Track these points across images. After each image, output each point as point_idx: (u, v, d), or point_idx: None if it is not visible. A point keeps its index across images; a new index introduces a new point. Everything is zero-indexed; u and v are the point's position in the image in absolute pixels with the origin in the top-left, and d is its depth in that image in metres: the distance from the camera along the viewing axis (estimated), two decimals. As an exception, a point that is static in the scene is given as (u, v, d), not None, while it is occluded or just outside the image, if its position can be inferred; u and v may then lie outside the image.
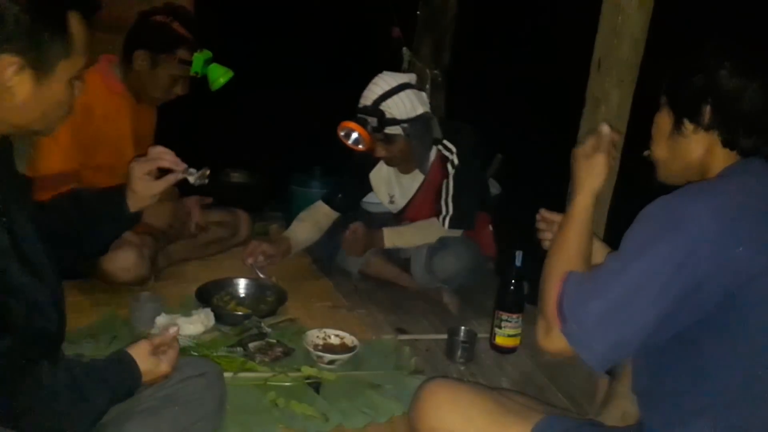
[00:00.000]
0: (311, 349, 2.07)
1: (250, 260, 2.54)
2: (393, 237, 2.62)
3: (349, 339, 2.16)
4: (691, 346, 1.14)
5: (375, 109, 2.39)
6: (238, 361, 2.01)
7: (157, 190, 1.51)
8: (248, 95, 5.44)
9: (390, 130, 2.42)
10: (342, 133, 2.45)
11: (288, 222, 2.91)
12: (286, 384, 1.94)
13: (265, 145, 4.60)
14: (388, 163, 2.62)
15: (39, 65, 1.13)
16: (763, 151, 1.19)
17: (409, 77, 2.49)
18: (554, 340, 1.19)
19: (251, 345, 2.09)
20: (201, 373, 1.52)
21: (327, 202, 2.77)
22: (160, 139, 2.88)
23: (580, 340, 1.15)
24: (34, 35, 1.11)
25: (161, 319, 2.15)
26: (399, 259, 2.80)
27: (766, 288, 1.08)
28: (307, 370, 2.00)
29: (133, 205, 1.51)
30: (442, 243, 2.60)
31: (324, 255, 2.85)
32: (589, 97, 2.51)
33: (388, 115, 2.39)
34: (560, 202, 2.69)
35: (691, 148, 1.23)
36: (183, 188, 2.91)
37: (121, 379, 1.32)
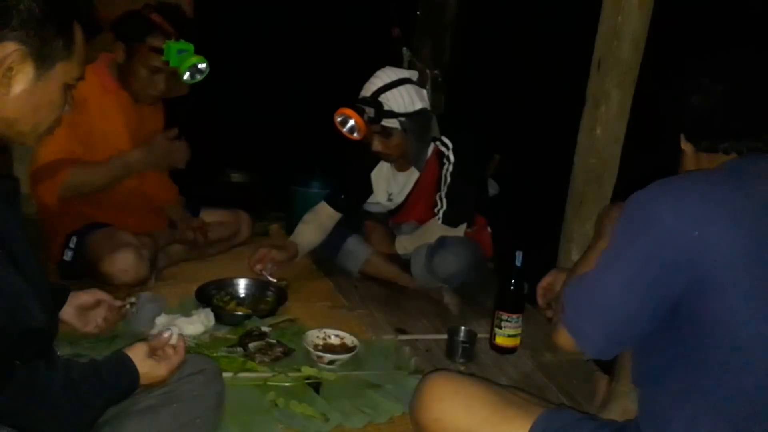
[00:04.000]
0: (311, 349, 2.07)
1: (258, 267, 2.53)
2: (404, 243, 2.72)
3: (349, 339, 2.16)
4: (680, 348, 1.17)
5: (373, 100, 2.40)
6: (238, 361, 2.01)
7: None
8: (248, 95, 5.45)
9: (387, 122, 2.43)
10: (339, 119, 2.45)
11: (288, 222, 2.91)
12: (286, 384, 1.94)
13: (265, 145, 4.60)
14: (385, 159, 2.62)
15: (41, 59, 1.15)
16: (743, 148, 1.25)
17: (411, 73, 2.50)
18: (560, 335, 1.29)
19: (251, 345, 2.09)
20: (199, 370, 1.53)
21: (330, 203, 2.76)
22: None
23: (576, 327, 1.26)
24: (42, 28, 1.13)
25: (161, 319, 2.15)
26: (399, 259, 2.80)
27: (737, 278, 1.11)
28: (307, 370, 2.00)
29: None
30: (442, 242, 2.60)
31: (324, 255, 2.85)
32: (589, 97, 2.51)
33: (385, 107, 2.40)
34: (559, 202, 2.71)
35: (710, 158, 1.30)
36: (184, 190, 2.94)
37: (118, 381, 1.33)
